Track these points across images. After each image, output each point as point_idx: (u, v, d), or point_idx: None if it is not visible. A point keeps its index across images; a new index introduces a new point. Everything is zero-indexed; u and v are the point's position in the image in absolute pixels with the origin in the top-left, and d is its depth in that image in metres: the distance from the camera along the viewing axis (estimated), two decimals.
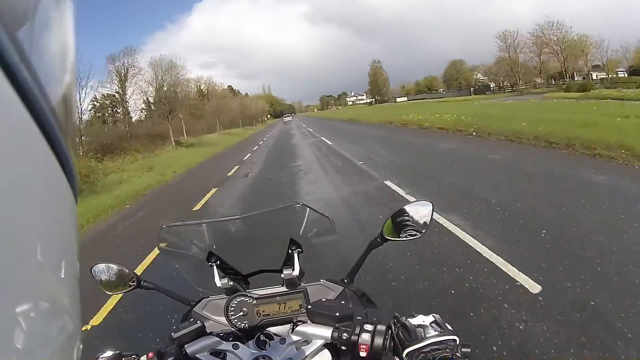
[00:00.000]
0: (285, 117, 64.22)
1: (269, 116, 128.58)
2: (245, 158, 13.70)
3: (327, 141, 14.22)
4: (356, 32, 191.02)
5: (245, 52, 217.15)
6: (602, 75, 43.64)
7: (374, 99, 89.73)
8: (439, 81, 75.95)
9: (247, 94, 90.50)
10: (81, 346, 0.27)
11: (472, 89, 55.77)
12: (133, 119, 33.03)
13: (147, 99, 33.99)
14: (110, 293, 1.00)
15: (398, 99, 78.76)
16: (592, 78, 43.16)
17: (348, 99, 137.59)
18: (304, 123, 38.73)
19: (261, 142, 21.15)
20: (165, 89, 29.80)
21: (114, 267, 0.97)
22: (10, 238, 0.18)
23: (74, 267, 0.25)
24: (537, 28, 44.76)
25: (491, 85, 59.95)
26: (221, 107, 47.16)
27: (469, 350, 0.65)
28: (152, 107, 33.17)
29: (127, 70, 33.64)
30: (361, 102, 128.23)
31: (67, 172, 0.23)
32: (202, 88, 60.15)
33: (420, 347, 0.64)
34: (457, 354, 0.63)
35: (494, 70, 56.10)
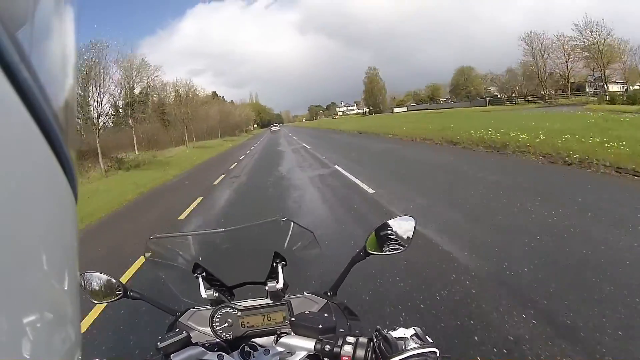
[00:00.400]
0: (272, 126, 64.08)
1: (255, 125, 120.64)
2: (191, 209, 6.92)
3: (373, 190, 6.44)
4: (346, 42, 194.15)
5: (235, 60, 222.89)
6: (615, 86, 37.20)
7: (368, 109, 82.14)
8: (442, 90, 68.91)
9: (232, 101, 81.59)
10: (80, 355, 0.27)
11: (487, 98, 48.45)
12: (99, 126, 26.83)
13: (116, 102, 28.46)
14: (97, 302, 0.99)
15: (396, 109, 71.30)
16: (607, 89, 36.39)
17: (338, 109, 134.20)
18: (295, 135, 31.55)
19: (233, 167, 13.81)
20: (138, 91, 25.90)
21: (101, 276, 0.98)
22: (11, 238, 0.18)
23: (74, 266, 0.25)
24: (573, 29, 37.65)
25: (498, 95, 54.84)
26: (196, 113, 38.74)
27: None
28: (120, 112, 27.96)
29: (91, 68, 25.26)
30: (352, 112, 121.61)
31: (67, 172, 0.23)
32: (180, 92, 50.98)
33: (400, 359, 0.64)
34: None
35: (506, 79, 48.97)
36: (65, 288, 0.23)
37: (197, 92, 48.11)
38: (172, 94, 40.00)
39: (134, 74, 25.75)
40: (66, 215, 0.24)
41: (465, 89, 58.67)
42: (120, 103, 24.84)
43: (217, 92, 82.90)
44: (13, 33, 0.17)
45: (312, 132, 36.14)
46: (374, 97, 77.95)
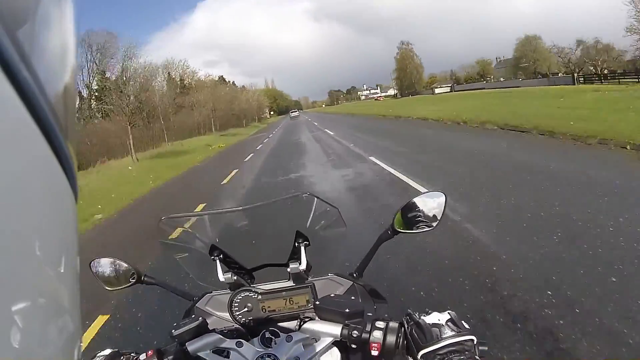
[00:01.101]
0: (292, 112, 62.24)
1: (271, 113, 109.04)
2: None
3: None
4: (359, 29, 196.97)
5: (249, 50, 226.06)
6: None
7: (399, 91, 68.92)
8: (492, 67, 55.20)
9: (244, 86, 70.37)
10: (82, 345, 0.27)
11: (575, 75, 34.85)
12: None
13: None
14: (110, 289, 0.97)
15: (437, 90, 58.09)
16: None
17: (361, 93, 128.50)
18: (329, 127, 21.33)
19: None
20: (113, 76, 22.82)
21: (115, 261, 0.96)
22: (11, 238, 0.18)
23: (74, 267, 0.25)
24: None
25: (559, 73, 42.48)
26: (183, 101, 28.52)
27: (486, 348, 0.63)
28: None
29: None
30: (375, 95, 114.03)
31: (67, 172, 0.23)
32: (172, 75, 39.84)
33: (436, 349, 0.61)
34: (476, 357, 0.61)
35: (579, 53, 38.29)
36: (64, 283, 0.23)
37: (197, 75, 37.32)
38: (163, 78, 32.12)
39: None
40: (65, 213, 0.24)
41: (534, 62, 44.58)
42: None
43: (234, 81, 71.81)
44: (13, 32, 0.17)
45: (349, 120, 26.87)
46: (408, 76, 64.36)
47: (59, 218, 0.23)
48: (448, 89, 59.80)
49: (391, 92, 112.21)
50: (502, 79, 51.58)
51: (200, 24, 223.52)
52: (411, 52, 66.13)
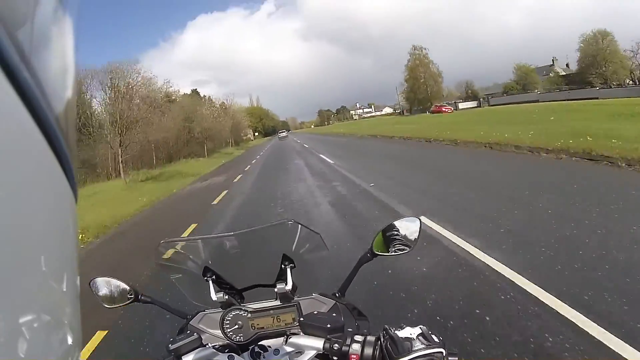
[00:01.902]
0: (280, 133, 65.82)
1: (256, 134, 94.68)
2: None
3: None
4: (348, 47, 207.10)
5: (238, 70, 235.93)
6: None
7: (409, 107, 55.84)
8: (535, 74, 42.72)
9: (223, 103, 56.16)
10: (80, 356, 0.28)
11: None
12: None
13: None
14: (109, 307, 1.12)
15: (462, 105, 45.59)
16: None
17: (354, 112, 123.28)
18: (341, 161, 13.76)
19: None
20: None
21: (113, 281, 1.11)
22: (11, 238, 0.18)
23: (74, 267, 0.26)
24: None
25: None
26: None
27: (456, 358, 0.72)
28: None
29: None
30: (369, 114, 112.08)
31: (67, 172, 0.24)
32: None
33: None
34: None
35: None
36: (64, 290, 0.24)
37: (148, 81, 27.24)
38: None
39: None
40: (66, 215, 0.25)
41: (605, 63, 31.97)
42: None
43: (209, 96, 60.29)
44: (13, 33, 0.18)
45: (371, 147, 18.99)
46: (422, 87, 51.42)
47: (59, 218, 0.24)
48: (475, 104, 46.80)
49: (387, 110, 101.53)
50: (537, 91, 39.66)
51: (190, 44, 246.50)
52: (426, 58, 55.67)
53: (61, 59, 0.24)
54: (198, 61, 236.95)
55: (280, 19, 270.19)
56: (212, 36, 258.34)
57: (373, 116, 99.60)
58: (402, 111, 68.56)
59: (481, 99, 53.85)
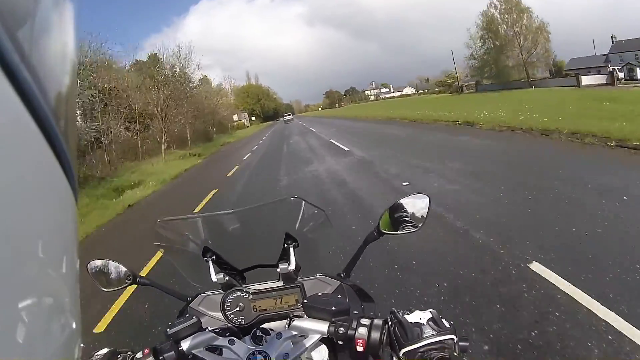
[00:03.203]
0: (285, 116, 64.33)
1: (252, 118, 77.66)
2: None
3: None
4: (353, 33, 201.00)
5: (242, 55, 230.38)
6: None
7: (477, 80, 38.73)
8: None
9: (221, 83, 40.80)
10: (82, 345, 0.29)
11: None
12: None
13: None
14: (106, 290, 1.08)
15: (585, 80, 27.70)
16: None
17: (369, 92, 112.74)
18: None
19: None
20: None
21: (110, 263, 1.08)
22: (11, 238, 0.19)
23: (74, 267, 0.27)
24: None
25: None
26: None
27: (467, 344, 0.70)
28: None
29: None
30: (387, 95, 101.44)
31: (67, 172, 0.24)
32: None
33: (417, 347, 0.68)
34: (455, 353, 0.68)
35: None
36: (64, 282, 0.25)
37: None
38: None
39: None
40: (65, 212, 0.25)
41: None
42: None
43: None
44: (13, 32, 0.18)
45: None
46: (510, 49, 33.14)
47: (59, 218, 0.24)
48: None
49: (408, 90, 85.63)
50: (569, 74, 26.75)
51: (193, 29, 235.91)
52: (520, 4, 33.57)
53: (61, 59, 0.24)
54: (201, 46, 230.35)
55: (284, 3, 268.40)
56: (215, 21, 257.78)
57: (392, 97, 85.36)
58: (462, 87, 46.79)
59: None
